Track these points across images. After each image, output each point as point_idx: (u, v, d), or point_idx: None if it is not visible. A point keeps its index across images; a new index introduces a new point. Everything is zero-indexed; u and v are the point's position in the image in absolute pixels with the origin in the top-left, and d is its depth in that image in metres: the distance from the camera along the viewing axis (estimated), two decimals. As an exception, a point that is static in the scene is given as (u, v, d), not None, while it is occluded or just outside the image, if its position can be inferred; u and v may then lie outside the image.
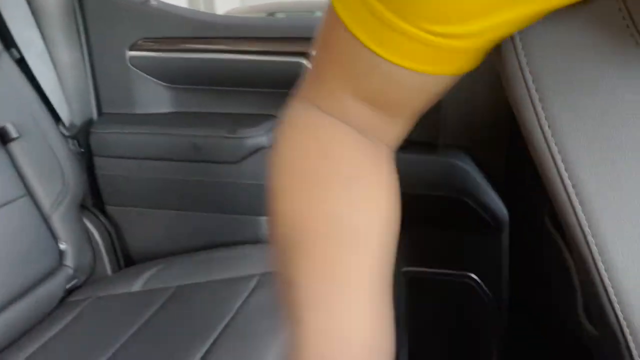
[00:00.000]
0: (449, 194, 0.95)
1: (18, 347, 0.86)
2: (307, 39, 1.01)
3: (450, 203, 0.95)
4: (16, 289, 0.92)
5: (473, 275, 0.99)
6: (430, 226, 0.98)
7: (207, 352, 0.76)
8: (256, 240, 1.07)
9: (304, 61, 1.01)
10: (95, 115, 1.15)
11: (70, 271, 1.01)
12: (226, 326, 0.81)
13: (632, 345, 0.31)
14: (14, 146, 0.98)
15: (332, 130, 0.35)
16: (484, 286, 0.99)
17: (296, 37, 1.02)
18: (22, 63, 1.03)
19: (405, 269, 1.06)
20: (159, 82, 1.11)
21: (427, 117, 0.39)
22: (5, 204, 0.95)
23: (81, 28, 1.11)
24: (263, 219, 1.08)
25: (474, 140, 0.96)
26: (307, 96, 0.37)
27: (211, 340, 0.78)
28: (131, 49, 1.09)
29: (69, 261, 1.02)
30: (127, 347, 0.82)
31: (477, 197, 0.94)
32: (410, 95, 0.34)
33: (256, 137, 1.03)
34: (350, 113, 0.35)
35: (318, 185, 0.34)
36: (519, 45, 0.31)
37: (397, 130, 0.37)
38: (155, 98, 1.13)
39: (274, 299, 0.85)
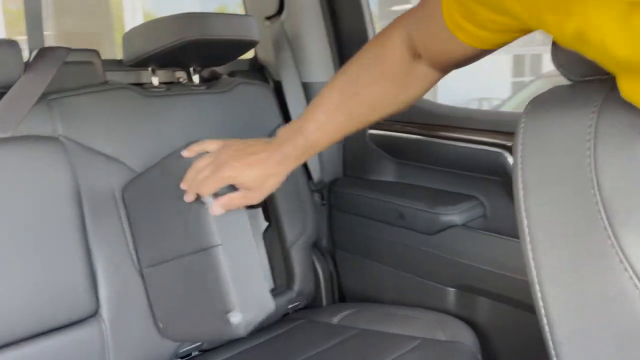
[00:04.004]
0: None
1: (240, 343, 1.18)
2: (511, 134, 1.08)
3: None
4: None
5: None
6: None
7: None
8: (439, 308, 1.18)
9: (505, 153, 1.09)
10: (340, 175, 1.45)
11: (294, 294, 1.31)
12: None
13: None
14: (277, 192, 1.33)
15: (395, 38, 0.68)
16: None
17: (501, 131, 1.10)
18: (293, 133, 1.39)
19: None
20: (388, 156, 1.34)
21: None
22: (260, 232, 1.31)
23: (339, 108, 1.42)
24: (451, 290, 1.18)
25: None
26: (400, 19, 0.67)
27: None
28: (371, 128, 1.35)
29: (296, 286, 1.31)
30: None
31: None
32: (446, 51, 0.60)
33: (450, 214, 1.15)
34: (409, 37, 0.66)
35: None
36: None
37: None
38: (384, 169, 1.35)
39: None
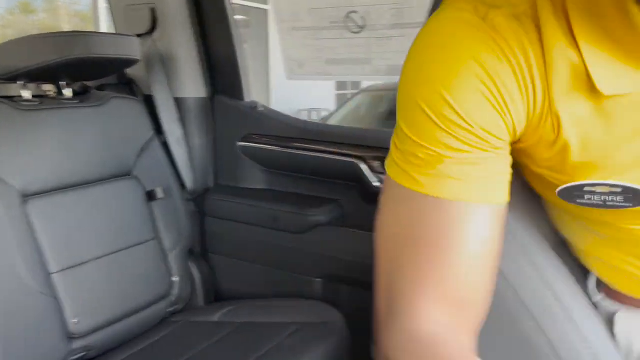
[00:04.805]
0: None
1: (123, 349, 1.23)
2: (363, 147, 1.31)
3: None
4: (134, 304, 1.30)
5: None
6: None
7: None
8: (309, 297, 1.36)
9: (359, 163, 1.31)
10: (212, 184, 1.55)
11: (173, 298, 1.38)
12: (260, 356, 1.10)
13: None
14: (154, 203, 1.39)
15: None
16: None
17: (355, 145, 1.32)
18: (165, 145, 1.46)
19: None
20: (258, 165, 1.48)
21: None
22: (142, 243, 1.35)
23: (210, 122, 1.53)
24: (318, 280, 1.37)
25: None
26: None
27: None
28: (241, 140, 1.48)
29: (175, 291, 1.39)
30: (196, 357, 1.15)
31: None
32: None
33: (316, 215, 1.33)
34: None
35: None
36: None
37: None
38: (254, 177, 1.50)
39: (305, 344, 1.12)
